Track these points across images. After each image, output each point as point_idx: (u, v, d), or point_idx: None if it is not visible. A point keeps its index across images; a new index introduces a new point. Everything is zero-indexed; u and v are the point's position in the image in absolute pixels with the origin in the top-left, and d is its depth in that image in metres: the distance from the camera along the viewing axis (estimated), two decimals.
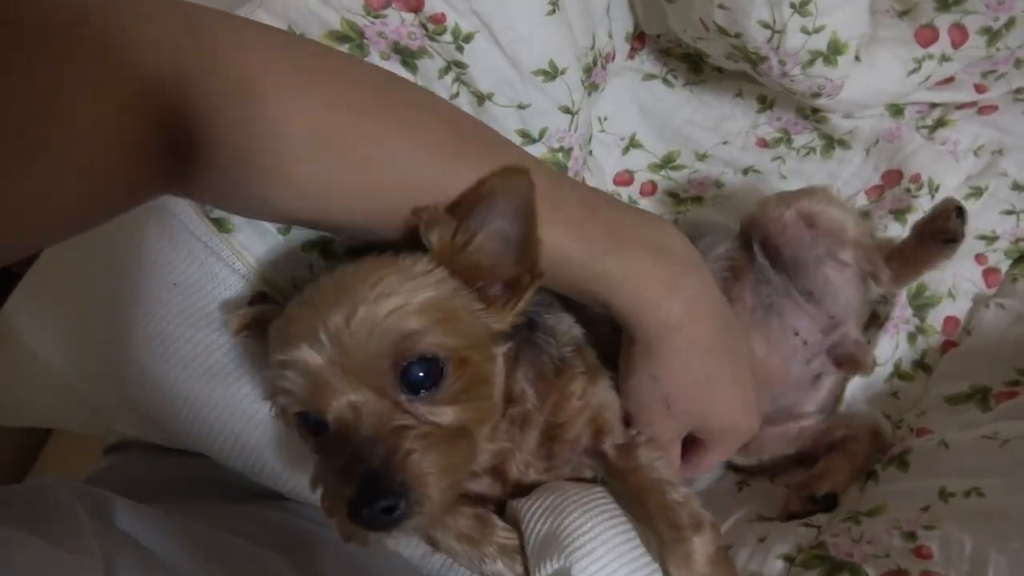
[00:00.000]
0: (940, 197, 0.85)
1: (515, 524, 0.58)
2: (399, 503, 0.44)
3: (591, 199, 0.55)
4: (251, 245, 0.61)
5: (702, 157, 0.93)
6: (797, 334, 0.73)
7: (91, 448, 0.74)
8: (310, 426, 0.50)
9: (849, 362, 0.75)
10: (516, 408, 0.57)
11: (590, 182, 0.87)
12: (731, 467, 0.78)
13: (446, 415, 0.48)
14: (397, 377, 0.47)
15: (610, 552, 0.52)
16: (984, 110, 0.90)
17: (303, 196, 0.48)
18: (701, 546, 0.53)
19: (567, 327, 0.61)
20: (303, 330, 0.47)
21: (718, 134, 0.93)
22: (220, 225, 0.60)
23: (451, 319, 0.49)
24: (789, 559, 0.61)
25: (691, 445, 0.63)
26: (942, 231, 0.72)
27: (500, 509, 0.60)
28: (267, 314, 0.54)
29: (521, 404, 0.57)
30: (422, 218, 0.49)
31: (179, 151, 0.43)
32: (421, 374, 0.47)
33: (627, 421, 0.61)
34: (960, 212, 0.72)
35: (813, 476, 0.69)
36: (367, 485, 0.44)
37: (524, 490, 0.60)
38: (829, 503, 0.67)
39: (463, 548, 0.57)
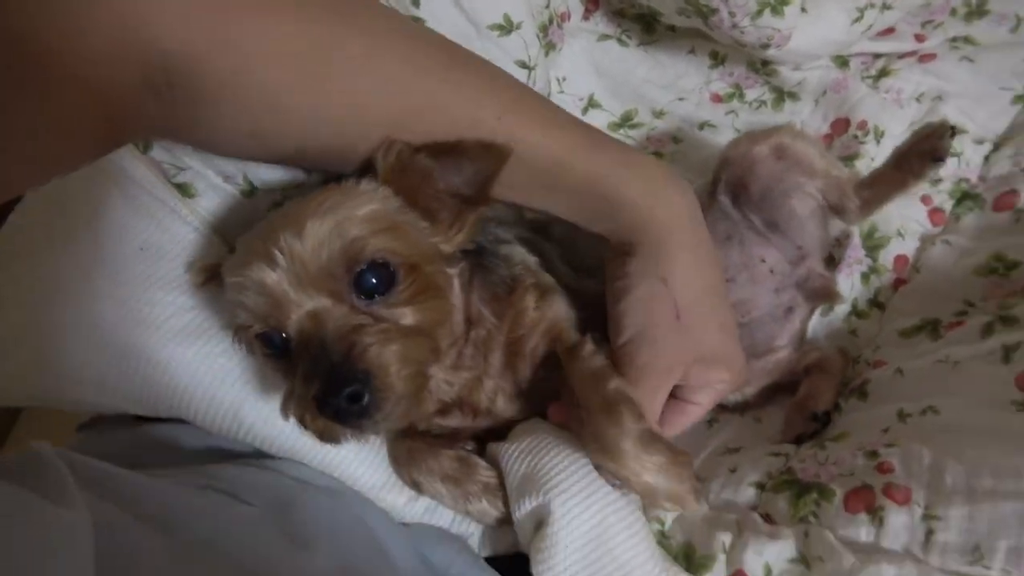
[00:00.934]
0: (885, 142, 0.88)
1: (495, 466, 0.59)
2: (363, 390, 0.46)
3: (579, 120, 0.56)
4: (215, 209, 0.61)
5: (659, 114, 0.95)
6: (764, 261, 0.75)
7: (64, 426, 0.72)
8: (273, 347, 0.51)
9: (819, 294, 0.78)
10: (477, 331, 0.59)
11: None
12: (721, 408, 0.80)
13: (404, 316, 0.51)
14: (351, 283, 0.49)
15: (586, 488, 0.53)
16: (924, 59, 0.93)
17: (292, 122, 0.49)
18: (633, 422, 0.51)
19: (520, 256, 0.62)
20: (256, 252, 0.49)
21: (673, 91, 0.95)
22: (184, 190, 0.60)
23: (396, 229, 0.51)
24: (760, 486, 0.63)
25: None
26: (933, 150, 0.75)
27: (480, 452, 0.61)
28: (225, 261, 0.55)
29: (481, 326, 0.59)
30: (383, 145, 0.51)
31: (161, 88, 0.43)
32: (374, 280, 0.50)
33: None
34: (953, 132, 0.74)
35: (806, 397, 0.72)
36: (330, 377, 0.46)
37: (499, 427, 0.61)
38: (826, 419, 0.70)
39: (447, 489, 0.58)
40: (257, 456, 0.60)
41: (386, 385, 0.47)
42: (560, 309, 0.60)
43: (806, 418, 0.70)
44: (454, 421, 0.61)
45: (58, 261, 0.59)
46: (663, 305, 0.53)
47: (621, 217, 0.54)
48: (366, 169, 0.53)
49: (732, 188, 0.77)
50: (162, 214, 0.59)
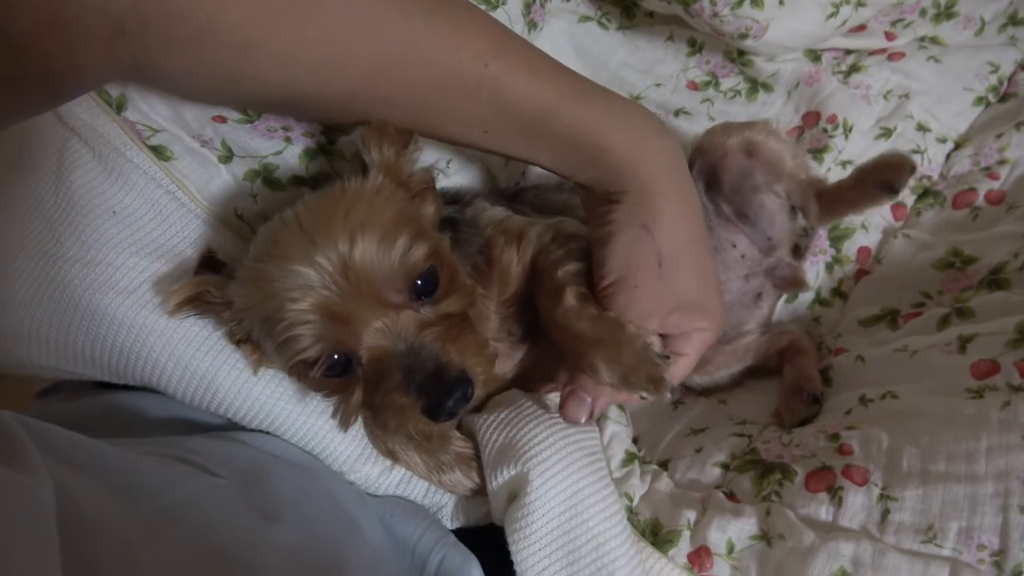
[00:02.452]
0: (853, 136, 0.91)
1: (470, 437, 0.60)
2: (468, 388, 0.49)
3: (565, 67, 0.55)
4: (191, 174, 0.60)
5: (636, 99, 0.96)
6: (735, 247, 0.77)
7: (21, 394, 0.71)
8: (335, 370, 0.51)
9: (788, 282, 0.81)
10: None
11: None
12: (688, 390, 0.83)
13: (450, 306, 0.53)
14: (411, 292, 0.51)
15: (564, 459, 0.54)
16: (893, 57, 0.95)
17: (269, 69, 0.48)
18: (573, 296, 0.54)
19: (487, 214, 0.63)
20: (294, 280, 0.48)
21: (651, 77, 0.96)
22: (159, 153, 0.59)
23: (417, 225, 0.52)
24: (724, 466, 0.65)
25: None
26: (888, 182, 0.74)
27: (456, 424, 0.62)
28: (208, 285, 0.54)
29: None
30: (367, 131, 0.52)
31: (132, 29, 0.42)
32: (425, 283, 0.51)
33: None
34: (913, 171, 0.74)
35: (798, 380, 0.73)
36: (438, 386, 0.48)
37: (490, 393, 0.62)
38: (819, 399, 0.72)
39: (421, 458, 0.58)
40: (228, 428, 0.60)
41: (476, 374, 0.50)
42: (535, 239, 0.61)
43: (806, 402, 0.71)
44: None
45: (24, 220, 0.57)
46: (646, 252, 0.53)
47: (607, 166, 0.53)
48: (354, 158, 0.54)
49: (705, 176, 0.78)
50: (136, 177, 0.58)
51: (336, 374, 0.51)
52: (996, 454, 0.53)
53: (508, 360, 0.62)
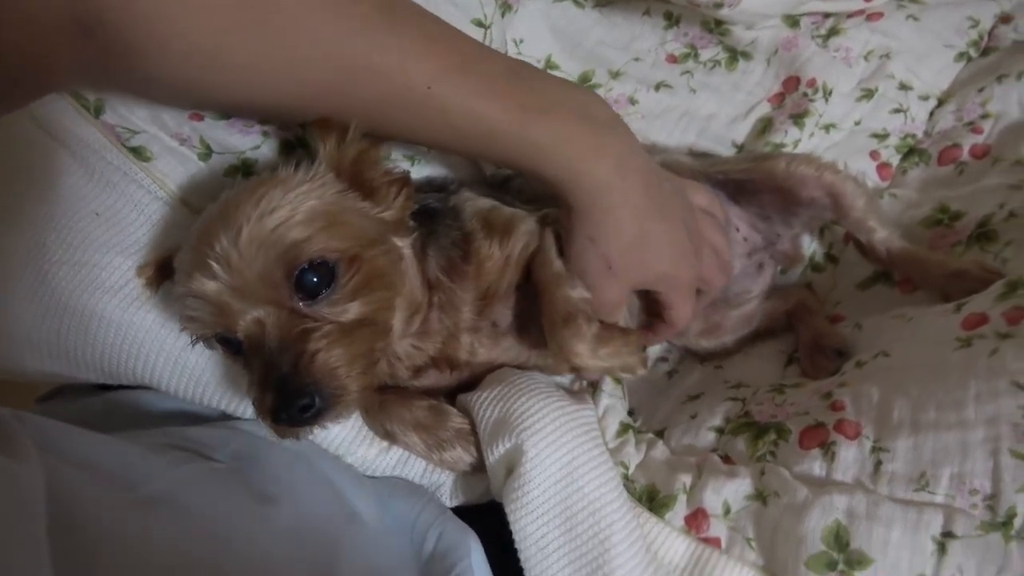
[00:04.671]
0: (834, 100, 0.90)
1: (466, 415, 0.60)
2: (314, 400, 0.48)
3: (516, 68, 0.56)
4: (171, 172, 0.61)
5: (616, 75, 0.96)
6: (738, 230, 0.78)
7: (23, 399, 0.71)
8: (230, 347, 0.53)
9: (788, 257, 0.83)
10: (439, 295, 0.60)
11: None
12: (697, 356, 0.84)
13: (348, 312, 0.52)
14: (292, 286, 0.50)
15: (558, 429, 0.55)
16: (872, 17, 0.95)
17: (233, 78, 0.49)
18: (587, 327, 0.55)
19: (471, 205, 0.63)
20: (196, 259, 0.50)
21: (629, 53, 0.96)
22: (138, 154, 0.60)
23: (336, 222, 0.52)
24: (719, 430, 0.65)
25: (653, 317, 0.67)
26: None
27: (451, 401, 0.62)
28: (173, 254, 0.55)
29: (441, 290, 0.60)
30: (313, 124, 0.53)
31: (95, 30, 0.42)
32: (314, 279, 0.51)
33: None
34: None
35: (816, 337, 0.75)
36: (282, 391, 0.48)
37: (477, 377, 0.63)
38: (843, 351, 0.72)
39: (420, 438, 0.59)
40: (224, 418, 0.60)
41: (337, 389, 0.49)
42: (524, 236, 0.61)
43: (830, 357, 0.72)
44: (431, 379, 0.62)
45: (11, 228, 0.57)
46: (594, 260, 0.57)
47: (547, 184, 0.56)
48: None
49: (753, 189, 0.79)
50: (116, 178, 0.58)
51: (232, 351, 0.53)
52: (985, 400, 0.53)
53: (493, 349, 0.62)
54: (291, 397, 0.48)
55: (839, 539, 0.51)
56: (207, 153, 0.62)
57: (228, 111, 0.59)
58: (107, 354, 0.57)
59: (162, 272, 0.56)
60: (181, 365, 0.57)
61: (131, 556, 0.38)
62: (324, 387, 0.48)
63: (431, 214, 0.61)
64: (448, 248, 0.60)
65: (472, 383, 0.62)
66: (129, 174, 0.59)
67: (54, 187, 0.58)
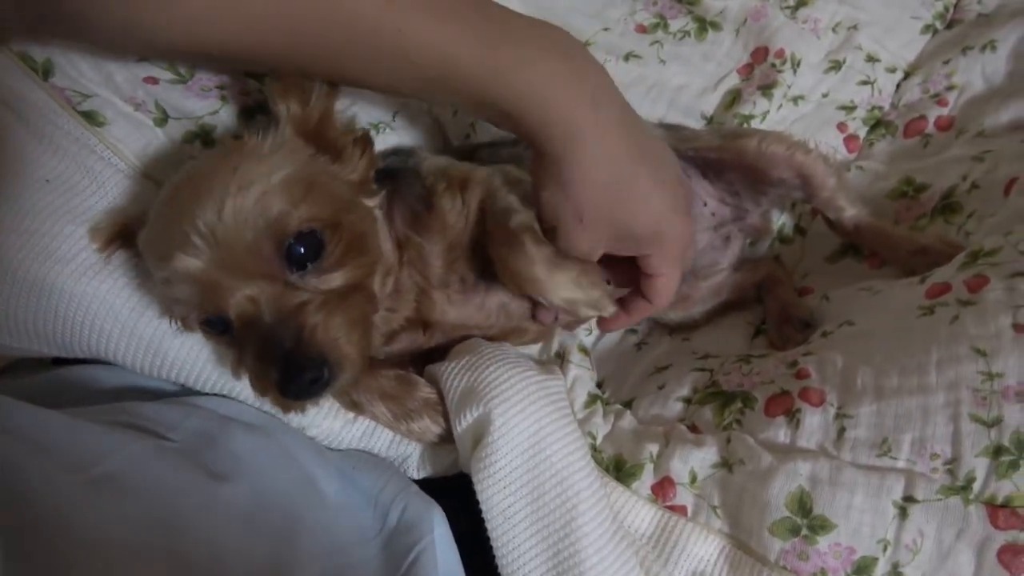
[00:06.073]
0: (802, 71, 0.91)
1: (434, 385, 0.59)
2: (322, 372, 0.48)
3: (483, 2, 0.51)
4: (126, 138, 0.58)
5: (586, 44, 0.94)
6: (705, 205, 0.78)
7: None
8: (216, 328, 0.52)
9: (756, 230, 0.83)
10: (409, 253, 0.59)
11: None
12: (666, 328, 0.84)
13: (336, 279, 0.51)
14: (282, 259, 0.49)
15: (525, 399, 0.54)
16: None
17: (197, 21, 0.46)
18: (536, 249, 0.54)
19: (429, 163, 0.62)
20: (174, 237, 0.48)
21: (599, 21, 0.95)
22: (91, 118, 0.57)
23: (314, 189, 0.51)
24: (687, 400, 0.66)
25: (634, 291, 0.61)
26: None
27: (419, 372, 0.62)
28: (131, 223, 0.54)
29: (410, 247, 0.59)
30: (273, 86, 0.51)
31: None
32: (303, 249, 0.50)
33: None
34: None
35: (783, 308, 0.76)
36: (288, 366, 0.47)
37: (448, 343, 0.62)
38: (809, 322, 0.73)
39: (387, 408, 0.58)
40: (183, 394, 0.59)
41: (341, 358, 0.49)
42: (478, 184, 0.60)
43: (798, 328, 0.72)
44: (405, 342, 0.62)
45: None
46: (566, 210, 0.53)
47: (519, 128, 0.52)
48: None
49: (721, 166, 0.78)
50: (67, 144, 0.56)
51: (218, 332, 0.52)
52: (946, 366, 0.54)
53: (463, 306, 0.62)
54: (299, 371, 0.47)
55: (803, 505, 0.52)
56: (163, 118, 0.60)
57: (174, 57, 0.57)
58: (59, 325, 0.55)
59: (117, 239, 0.55)
60: (137, 336, 0.55)
61: (78, 534, 0.36)
62: (329, 357, 0.48)
63: (392, 174, 0.60)
64: (413, 203, 0.60)
65: (442, 353, 0.61)
66: (81, 140, 0.56)
67: (3, 149, 0.55)
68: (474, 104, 0.51)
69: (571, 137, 0.50)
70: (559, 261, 0.54)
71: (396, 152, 0.67)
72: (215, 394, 0.58)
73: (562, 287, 0.54)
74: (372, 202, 0.57)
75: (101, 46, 0.55)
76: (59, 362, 0.63)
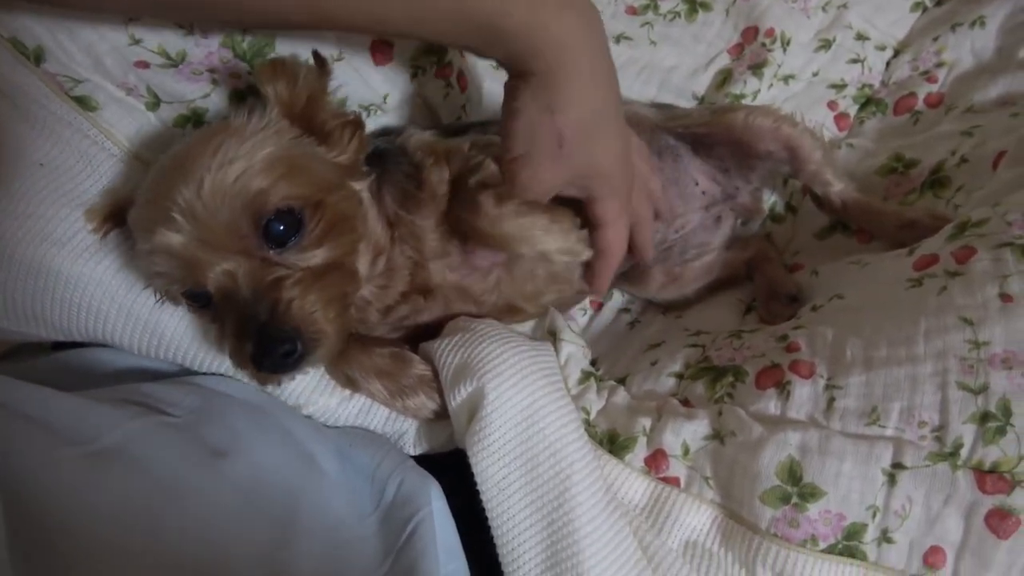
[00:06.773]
0: (792, 50, 0.91)
1: (428, 362, 0.60)
2: (295, 346, 0.49)
3: None
4: (118, 123, 0.59)
5: None
6: (697, 184, 0.78)
7: None
8: (198, 301, 0.53)
9: (748, 209, 0.83)
10: (400, 231, 0.60)
11: (467, 63, 0.87)
12: (659, 307, 0.85)
13: (316, 257, 0.52)
14: (260, 235, 0.50)
15: (518, 373, 0.55)
16: None
17: None
18: (495, 209, 0.55)
19: (416, 140, 0.63)
20: (157, 213, 0.49)
21: None
22: (83, 103, 0.58)
23: (296, 169, 0.52)
24: (679, 376, 0.66)
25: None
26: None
27: (414, 349, 0.62)
28: (125, 203, 0.55)
29: (402, 225, 0.60)
30: (260, 68, 0.52)
31: None
32: (282, 227, 0.51)
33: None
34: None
35: (771, 284, 0.77)
36: (262, 339, 0.48)
37: (445, 316, 0.63)
38: (796, 297, 0.74)
39: (382, 384, 0.59)
40: (182, 373, 0.59)
41: (316, 333, 0.50)
42: (459, 154, 0.61)
43: (785, 303, 0.74)
44: (404, 311, 0.62)
45: None
46: (547, 135, 0.52)
47: (508, 47, 0.50)
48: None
49: (709, 141, 0.78)
50: (61, 128, 0.56)
51: (201, 305, 0.53)
52: (934, 335, 0.54)
53: (464, 271, 0.62)
54: (272, 344, 0.48)
55: (792, 473, 0.53)
56: (155, 102, 0.60)
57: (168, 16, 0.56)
58: (57, 308, 0.56)
59: (112, 219, 0.55)
60: (134, 318, 0.56)
61: (77, 507, 0.37)
62: (303, 332, 0.49)
63: (381, 155, 0.61)
64: (402, 181, 0.60)
65: (436, 332, 0.62)
66: (74, 124, 0.57)
67: None
68: (460, 30, 0.50)
69: (563, 58, 0.50)
70: (525, 211, 0.55)
71: (384, 132, 0.67)
72: (214, 374, 0.59)
73: (537, 239, 0.55)
74: (360, 184, 0.58)
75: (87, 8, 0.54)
76: (59, 347, 0.63)
